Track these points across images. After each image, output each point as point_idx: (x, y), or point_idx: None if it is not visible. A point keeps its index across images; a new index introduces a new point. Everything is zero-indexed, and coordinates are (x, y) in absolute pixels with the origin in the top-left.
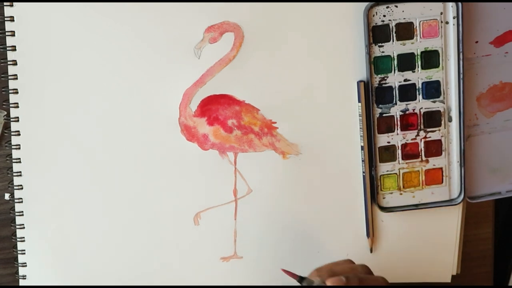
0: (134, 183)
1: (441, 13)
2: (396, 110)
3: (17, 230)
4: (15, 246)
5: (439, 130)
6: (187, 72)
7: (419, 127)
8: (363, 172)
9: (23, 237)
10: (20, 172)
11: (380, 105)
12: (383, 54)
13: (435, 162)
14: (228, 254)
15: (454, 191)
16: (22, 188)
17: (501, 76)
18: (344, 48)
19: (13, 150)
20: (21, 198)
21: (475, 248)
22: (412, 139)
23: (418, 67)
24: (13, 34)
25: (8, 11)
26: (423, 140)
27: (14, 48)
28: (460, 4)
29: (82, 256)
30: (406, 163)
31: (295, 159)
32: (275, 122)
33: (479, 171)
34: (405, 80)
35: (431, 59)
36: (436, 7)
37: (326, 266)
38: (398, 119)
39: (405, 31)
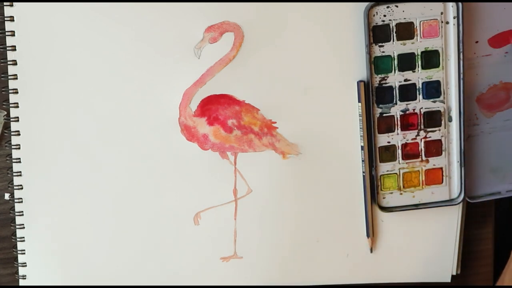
0: (134, 183)
1: (442, 13)
2: (396, 110)
3: (17, 230)
4: (15, 246)
5: (439, 130)
6: (187, 72)
7: (419, 127)
8: (363, 172)
9: (23, 237)
10: (20, 172)
11: (380, 105)
12: (383, 54)
13: (435, 162)
14: (228, 254)
15: (454, 191)
16: (22, 188)
17: (501, 76)
18: (344, 48)
19: (13, 150)
20: (21, 198)
21: (475, 248)
22: (412, 139)
23: (418, 67)
24: (13, 34)
25: (8, 11)
26: (423, 140)
27: (14, 48)
28: (460, 4)
29: (82, 256)
30: (406, 163)
31: (295, 159)
32: (275, 122)
33: (479, 171)
34: (405, 80)
35: (431, 59)
36: (436, 7)
37: None
38: (398, 119)
39: (406, 31)
